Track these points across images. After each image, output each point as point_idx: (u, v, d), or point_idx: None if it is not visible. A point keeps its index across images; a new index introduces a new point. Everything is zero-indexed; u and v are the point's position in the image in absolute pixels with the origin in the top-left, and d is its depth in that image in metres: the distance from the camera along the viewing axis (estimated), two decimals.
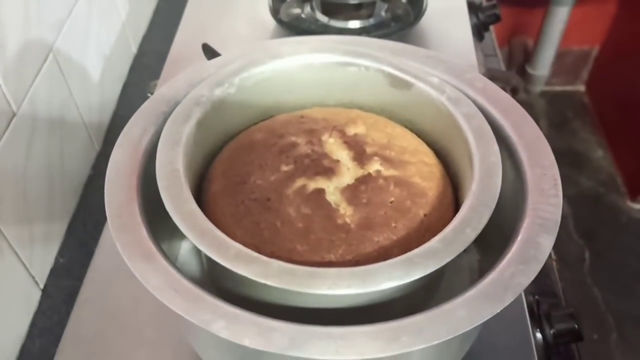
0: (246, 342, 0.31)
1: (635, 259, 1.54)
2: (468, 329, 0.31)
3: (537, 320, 0.51)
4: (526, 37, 1.87)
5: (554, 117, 1.90)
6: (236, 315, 0.32)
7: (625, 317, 1.44)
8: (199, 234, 0.35)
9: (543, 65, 1.85)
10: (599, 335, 1.42)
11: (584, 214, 1.65)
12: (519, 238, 0.35)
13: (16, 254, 0.55)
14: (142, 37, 0.89)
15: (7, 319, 0.54)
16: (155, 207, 0.37)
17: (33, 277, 0.58)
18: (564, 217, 1.42)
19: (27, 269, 0.57)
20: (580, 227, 1.62)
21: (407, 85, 0.45)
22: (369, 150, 0.42)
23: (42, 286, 0.60)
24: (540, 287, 0.60)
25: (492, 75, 0.84)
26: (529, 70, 1.89)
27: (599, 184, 1.73)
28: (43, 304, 0.59)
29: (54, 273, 0.61)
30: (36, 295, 0.59)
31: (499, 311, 0.32)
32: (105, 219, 0.60)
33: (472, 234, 0.35)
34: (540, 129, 0.41)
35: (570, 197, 1.68)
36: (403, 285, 0.35)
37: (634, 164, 1.68)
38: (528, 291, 0.55)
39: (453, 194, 0.43)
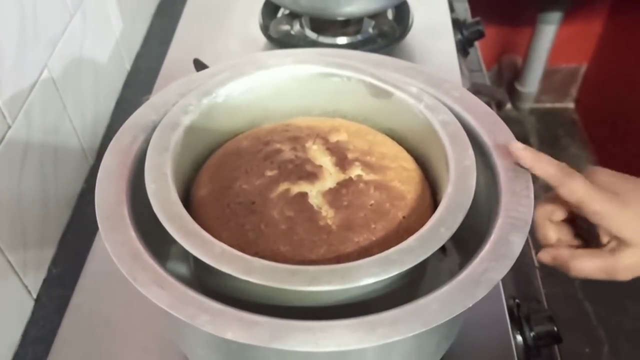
0: (229, 335, 0.32)
1: None
2: (441, 321, 0.33)
3: (518, 323, 0.53)
4: (515, 55, 1.91)
5: (544, 133, 1.93)
6: (220, 311, 0.33)
7: (617, 331, 1.44)
8: (185, 235, 0.36)
9: (531, 83, 1.89)
10: (591, 349, 1.43)
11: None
12: (492, 237, 0.37)
13: (10, 263, 0.56)
14: (136, 54, 0.91)
15: (0, 328, 0.55)
16: (145, 213, 0.39)
17: (26, 287, 0.59)
18: None
19: (20, 279, 0.58)
20: None
21: (387, 94, 0.47)
22: (350, 156, 0.44)
23: (35, 296, 0.61)
24: (523, 294, 0.62)
25: (477, 89, 0.86)
26: (518, 87, 1.92)
27: None
28: (36, 313, 0.60)
29: (47, 283, 0.62)
30: (29, 305, 0.60)
31: (470, 305, 0.33)
32: (97, 230, 0.62)
33: (446, 233, 0.37)
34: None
35: None
36: (382, 283, 0.37)
37: None
38: (509, 295, 0.56)
39: (432, 198, 0.45)
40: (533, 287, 0.65)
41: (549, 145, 1.88)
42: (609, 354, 1.41)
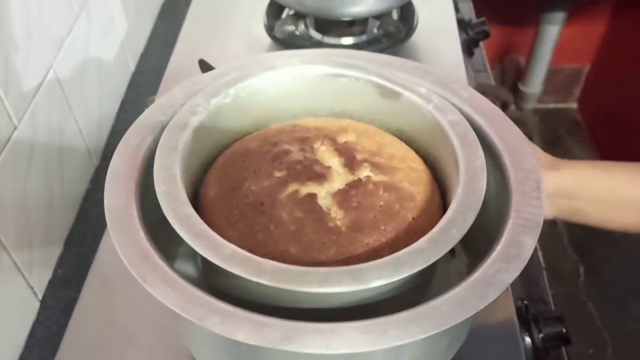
0: (240, 337, 0.32)
1: (629, 274, 1.55)
2: (453, 323, 0.32)
3: (526, 325, 0.52)
4: (518, 55, 1.91)
5: (547, 134, 1.92)
6: (230, 312, 0.33)
7: (620, 332, 1.44)
8: (194, 235, 0.36)
9: (535, 83, 1.89)
10: (595, 350, 1.42)
11: (578, 230, 1.66)
12: (503, 238, 0.37)
13: (15, 264, 0.56)
14: (140, 55, 0.91)
15: (5, 329, 0.55)
16: (153, 214, 0.38)
17: (32, 288, 0.59)
18: (558, 234, 1.43)
19: (26, 280, 0.58)
20: (574, 243, 1.63)
21: (395, 95, 0.47)
22: (359, 157, 0.44)
23: (40, 297, 0.61)
24: (530, 295, 0.62)
25: (482, 90, 0.86)
26: (522, 87, 1.92)
27: None
28: (41, 314, 0.60)
29: (52, 284, 0.62)
30: (35, 306, 0.60)
31: (482, 307, 0.33)
32: (103, 231, 0.62)
33: (457, 235, 0.36)
34: None
35: None
36: (392, 285, 0.37)
37: None
38: (517, 297, 0.56)
39: (441, 199, 0.44)
40: (540, 289, 0.65)
41: (552, 145, 1.88)
42: (612, 355, 1.41)
